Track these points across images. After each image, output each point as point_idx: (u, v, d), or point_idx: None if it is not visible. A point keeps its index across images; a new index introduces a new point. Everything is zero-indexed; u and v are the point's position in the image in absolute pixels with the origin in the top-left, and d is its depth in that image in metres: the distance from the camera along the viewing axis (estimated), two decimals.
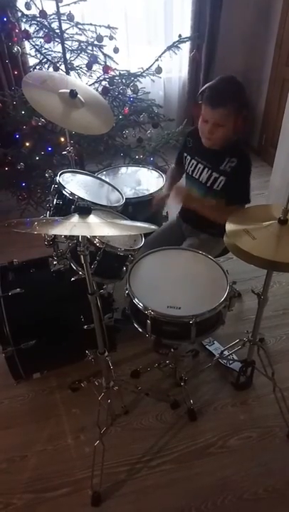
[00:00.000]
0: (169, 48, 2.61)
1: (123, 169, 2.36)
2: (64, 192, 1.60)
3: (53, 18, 2.39)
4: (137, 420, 1.76)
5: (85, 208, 1.17)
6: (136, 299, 1.44)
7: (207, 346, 2.04)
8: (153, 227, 1.29)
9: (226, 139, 1.67)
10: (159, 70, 2.62)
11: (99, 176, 2.03)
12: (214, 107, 1.57)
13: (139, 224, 1.33)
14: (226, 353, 1.91)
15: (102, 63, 2.57)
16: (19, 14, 2.46)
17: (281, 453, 1.65)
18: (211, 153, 1.74)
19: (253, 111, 3.90)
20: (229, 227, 1.35)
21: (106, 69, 2.56)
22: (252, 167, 1.73)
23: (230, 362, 1.94)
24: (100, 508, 1.49)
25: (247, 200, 1.71)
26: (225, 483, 1.56)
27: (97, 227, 1.17)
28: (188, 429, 1.73)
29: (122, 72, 2.67)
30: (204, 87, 1.63)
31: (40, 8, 2.35)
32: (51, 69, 2.55)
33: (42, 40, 2.48)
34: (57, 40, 2.45)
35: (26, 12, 2.40)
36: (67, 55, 2.49)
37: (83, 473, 1.58)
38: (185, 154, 1.88)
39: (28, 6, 2.36)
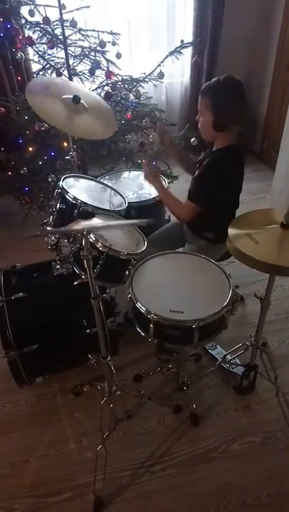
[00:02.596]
0: (171, 53, 2.62)
1: (125, 173, 2.37)
2: (67, 196, 1.60)
3: (57, 25, 2.41)
4: (139, 425, 1.76)
5: (88, 213, 1.17)
6: (139, 303, 1.45)
7: (210, 350, 2.03)
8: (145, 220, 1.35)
9: (206, 132, 1.71)
10: (161, 75, 2.64)
11: (101, 180, 2.04)
12: (200, 94, 1.69)
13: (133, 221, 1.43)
14: (228, 357, 1.91)
15: (105, 69, 2.58)
16: (23, 21, 2.48)
17: (284, 458, 1.64)
18: (208, 150, 1.81)
19: (254, 115, 3.92)
20: (232, 231, 1.36)
21: (109, 74, 2.58)
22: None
23: (233, 366, 1.93)
24: None
25: (193, 198, 1.73)
26: (228, 488, 1.55)
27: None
28: (190, 433, 1.73)
29: (124, 78, 2.69)
30: None
31: (44, 15, 2.37)
32: (54, 74, 2.57)
33: (45, 46, 2.50)
34: (60, 46, 2.46)
35: (30, 19, 2.41)
36: (70, 61, 2.50)
37: (85, 478, 1.58)
38: None
39: (31, 13, 2.38)
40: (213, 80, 1.65)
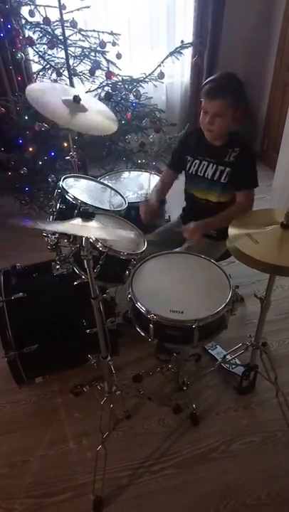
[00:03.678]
0: (171, 54, 2.62)
1: (125, 174, 2.37)
2: (67, 196, 1.60)
3: (57, 25, 2.41)
4: (139, 425, 1.76)
5: (88, 213, 1.17)
6: (138, 303, 1.45)
7: (210, 350, 2.03)
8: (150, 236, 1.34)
9: (226, 129, 1.71)
10: (161, 76, 2.64)
11: (101, 180, 2.04)
12: (213, 98, 1.64)
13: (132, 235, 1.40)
14: (228, 357, 1.91)
15: (105, 69, 2.58)
16: (23, 21, 2.48)
17: (284, 458, 1.64)
18: (215, 149, 1.79)
19: (254, 115, 3.92)
20: (232, 231, 1.36)
21: (109, 75, 2.58)
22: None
23: (233, 366, 1.93)
24: None
25: (255, 183, 1.78)
26: (227, 488, 1.55)
27: (99, 231, 1.18)
28: (190, 433, 1.73)
29: (124, 78, 2.69)
30: (205, 82, 1.70)
31: (44, 15, 2.37)
32: (54, 75, 2.57)
33: (45, 47, 2.50)
34: (60, 46, 2.47)
35: (30, 19, 2.42)
36: (71, 61, 2.51)
37: (85, 478, 1.58)
38: (186, 157, 1.89)
39: (31, 14, 2.38)
40: (218, 79, 1.66)
